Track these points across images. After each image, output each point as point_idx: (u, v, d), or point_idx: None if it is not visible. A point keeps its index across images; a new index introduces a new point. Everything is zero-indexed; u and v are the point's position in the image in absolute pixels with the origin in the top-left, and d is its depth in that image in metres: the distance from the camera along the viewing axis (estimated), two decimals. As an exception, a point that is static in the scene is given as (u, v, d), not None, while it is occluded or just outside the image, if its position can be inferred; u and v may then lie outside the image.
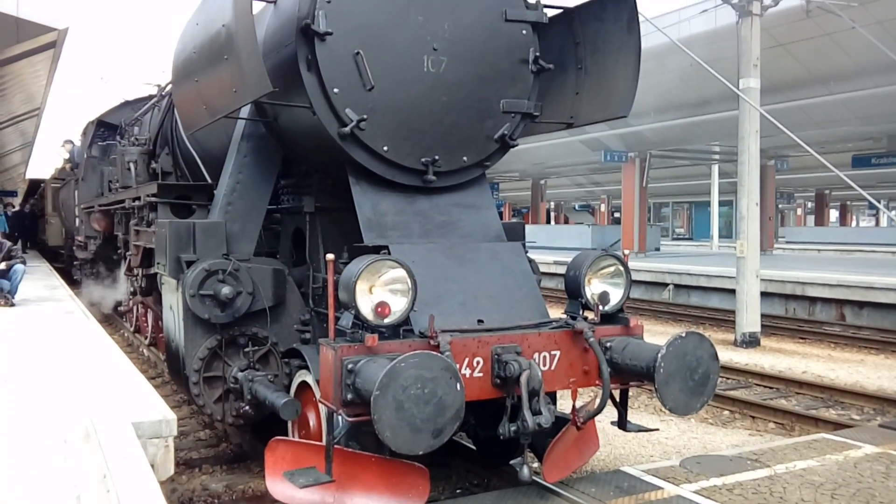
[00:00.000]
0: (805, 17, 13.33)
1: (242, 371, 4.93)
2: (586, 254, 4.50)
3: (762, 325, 12.33)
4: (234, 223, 5.20)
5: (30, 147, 35.25)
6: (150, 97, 11.72)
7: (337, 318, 3.89)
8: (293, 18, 4.54)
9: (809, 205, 53.91)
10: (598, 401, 4.14)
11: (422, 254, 4.45)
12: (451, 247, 4.67)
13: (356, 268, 3.79)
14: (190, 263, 4.87)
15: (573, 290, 4.45)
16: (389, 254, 4.27)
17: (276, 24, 4.98)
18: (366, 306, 3.77)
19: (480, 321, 4.20)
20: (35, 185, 35.13)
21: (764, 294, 13.03)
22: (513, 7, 5.06)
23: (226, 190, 5.27)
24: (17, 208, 34.42)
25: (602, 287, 4.42)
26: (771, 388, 9.31)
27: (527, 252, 5.21)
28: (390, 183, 4.84)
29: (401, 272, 3.84)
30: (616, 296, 4.43)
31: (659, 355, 3.89)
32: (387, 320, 3.79)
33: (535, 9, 5.18)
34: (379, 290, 3.83)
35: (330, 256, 3.86)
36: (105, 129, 12.34)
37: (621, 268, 4.47)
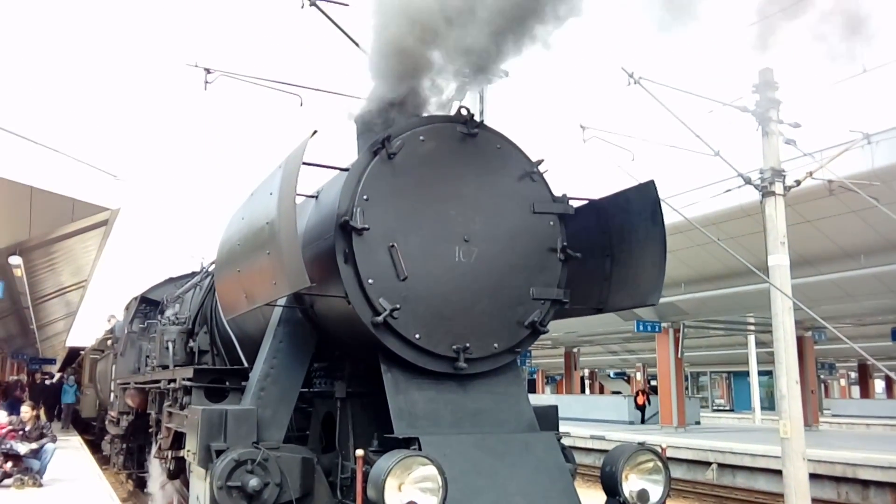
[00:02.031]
0: (828, 194, 13.65)
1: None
2: (622, 448, 4.39)
3: (814, 511, 11.61)
4: (266, 409, 5.20)
5: (73, 316, 36.28)
6: (193, 274, 12.17)
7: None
8: (333, 214, 4.80)
9: (853, 374, 52.31)
10: None
11: (453, 446, 4.38)
12: (483, 438, 4.60)
13: (385, 464, 3.73)
14: (220, 452, 4.84)
15: (610, 488, 4.30)
16: (420, 446, 4.21)
17: (316, 218, 5.26)
18: (395, 504, 3.68)
19: (513, 521, 4.04)
20: (74, 354, 35.76)
21: (813, 476, 12.39)
22: (540, 200, 5.30)
23: (259, 375, 5.33)
24: (53, 376, 34.87)
25: (640, 484, 4.27)
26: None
27: (560, 440, 5.10)
28: (422, 370, 4.86)
29: (431, 470, 3.77)
30: (656, 493, 4.27)
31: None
32: (416, 520, 3.67)
33: (561, 201, 5.42)
34: (408, 487, 3.75)
35: (359, 452, 3.83)
36: (147, 305, 12.72)
37: (660, 463, 4.33)
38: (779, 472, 13.01)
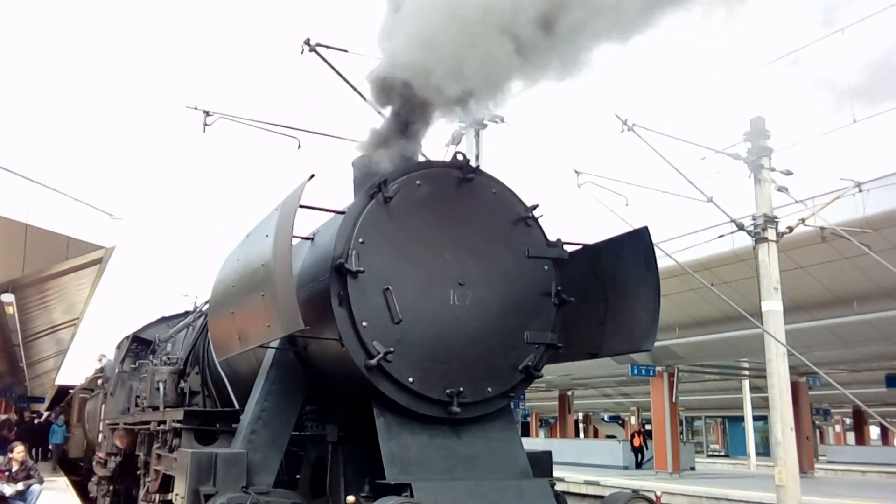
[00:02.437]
0: (821, 241, 13.74)
1: None
2: (616, 496, 4.36)
3: (811, 561, 11.45)
4: (257, 453, 5.14)
5: (63, 354, 35.96)
6: (186, 313, 12.11)
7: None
8: (328, 257, 4.81)
9: (848, 420, 52.00)
10: None
11: (445, 493, 4.33)
12: (476, 485, 4.55)
13: (377, 511, 3.69)
14: (208, 496, 4.77)
15: (604, 536, 4.25)
16: (412, 493, 4.17)
17: (312, 260, 5.27)
18: (386, 552, 3.63)
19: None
20: (63, 392, 35.35)
21: (809, 524, 12.24)
22: (534, 245, 5.34)
23: (251, 418, 5.28)
24: (41, 415, 34.41)
25: (634, 532, 4.23)
26: None
27: (554, 486, 5.04)
28: (415, 415, 4.84)
29: (423, 517, 3.72)
30: (649, 542, 4.22)
31: None
32: (407, 569, 3.61)
33: (556, 246, 5.46)
34: (400, 534, 3.70)
35: (350, 499, 3.79)
36: (139, 345, 12.62)
37: (654, 511, 4.30)
38: (775, 521, 12.85)
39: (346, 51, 8.71)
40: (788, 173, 12.43)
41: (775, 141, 12.45)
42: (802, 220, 12.39)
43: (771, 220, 12.02)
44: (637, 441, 29.23)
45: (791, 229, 12.13)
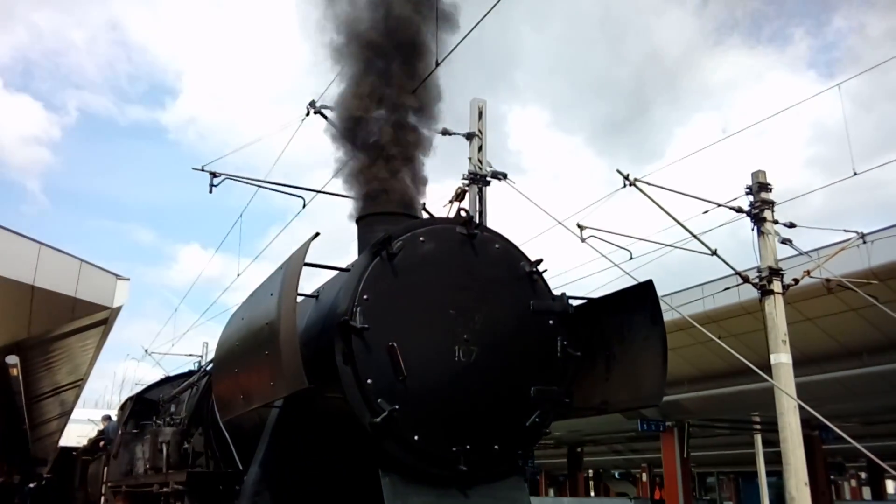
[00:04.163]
0: (826, 293, 13.69)
1: None
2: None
3: None
4: (261, 514, 5.06)
5: (67, 416, 35.64)
6: (191, 373, 12.06)
7: None
8: (333, 314, 4.82)
9: (863, 475, 50.91)
10: None
11: (453, 555, 4.24)
12: (484, 550, 4.46)
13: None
14: (211, 562, 4.68)
15: None
16: (419, 558, 4.08)
17: (316, 317, 5.28)
18: None
19: None
20: (65, 454, 34.88)
21: (829, 585, 11.88)
22: (539, 300, 5.34)
23: (255, 479, 5.22)
24: (41, 478, 33.88)
25: None
26: None
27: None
28: (422, 475, 4.77)
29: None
30: None
31: None
32: None
33: (560, 300, 5.46)
34: None
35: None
36: (143, 406, 12.54)
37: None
38: (793, 581, 12.47)
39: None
40: (791, 226, 12.46)
41: (777, 193, 12.53)
42: (808, 273, 12.36)
43: (776, 272, 11.99)
44: (658, 494, 28.70)
45: (797, 281, 12.09)
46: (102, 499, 13.51)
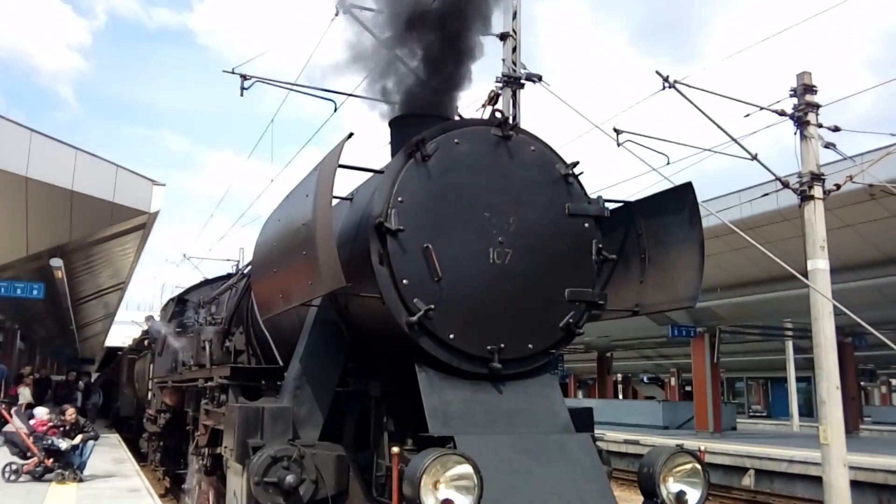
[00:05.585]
0: (869, 198, 13.37)
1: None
2: (659, 450, 4.36)
3: (855, 520, 11.37)
4: (302, 407, 5.25)
5: (111, 317, 36.95)
6: (229, 275, 12.34)
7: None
8: (368, 216, 4.84)
9: (894, 382, 51.12)
10: None
11: (488, 446, 4.38)
12: (518, 438, 4.59)
13: (421, 462, 3.75)
14: (256, 449, 4.90)
15: (647, 489, 4.27)
16: (455, 445, 4.22)
17: (351, 219, 5.30)
18: (431, 502, 3.70)
19: (548, 521, 4.03)
20: (111, 354, 36.41)
21: (853, 483, 12.12)
22: (575, 202, 5.29)
23: (295, 374, 5.38)
24: (91, 376, 35.52)
25: (678, 486, 4.24)
26: None
27: (596, 441, 5.07)
28: (456, 370, 4.88)
29: (467, 468, 3.78)
30: (694, 496, 4.23)
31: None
32: (451, 518, 3.68)
33: (596, 203, 5.41)
34: (444, 486, 3.76)
35: (395, 450, 3.85)
36: (184, 307, 12.93)
37: (698, 466, 4.29)
38: (818, 479, 12.77)
39: (381, 12, 8.62)
40: (836, 129, 12.04)
41: (822, 96, 12.07)
42: (850, 178, 12.03)
43: (818, 177, 11.70)
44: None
45: (838, 186, 11.79)
46: (150, 393, 14.16)
